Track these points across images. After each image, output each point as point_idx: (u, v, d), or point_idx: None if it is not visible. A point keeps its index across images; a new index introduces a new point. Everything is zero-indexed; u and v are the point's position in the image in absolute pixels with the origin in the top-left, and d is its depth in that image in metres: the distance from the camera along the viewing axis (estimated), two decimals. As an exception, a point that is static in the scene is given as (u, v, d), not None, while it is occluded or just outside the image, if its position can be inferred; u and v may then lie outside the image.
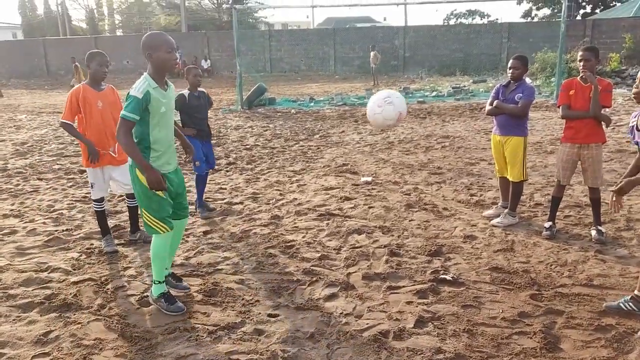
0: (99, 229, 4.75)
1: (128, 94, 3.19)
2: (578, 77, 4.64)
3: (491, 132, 5.36)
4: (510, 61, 5.02)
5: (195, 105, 5.47)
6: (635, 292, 3.36)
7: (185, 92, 5.45)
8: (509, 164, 5.06)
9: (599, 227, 4.67)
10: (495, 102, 5.06)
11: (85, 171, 7.75)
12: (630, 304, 3.34)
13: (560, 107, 4.68)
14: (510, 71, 4.99)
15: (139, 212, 3.64)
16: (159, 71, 3.29)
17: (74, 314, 3.48)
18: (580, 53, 4.54)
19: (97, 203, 4.65)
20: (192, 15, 41.65)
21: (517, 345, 3.05)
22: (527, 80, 5.13)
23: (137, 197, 3.43)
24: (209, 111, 5.96)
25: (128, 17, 49.56)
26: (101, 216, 4.68)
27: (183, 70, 5.76)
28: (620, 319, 3.29)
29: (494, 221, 5.12)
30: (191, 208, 5.82)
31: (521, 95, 4.91)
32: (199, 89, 5.57)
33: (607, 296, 3.60)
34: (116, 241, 4.79)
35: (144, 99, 3.17)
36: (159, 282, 3.54)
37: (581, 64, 4.50)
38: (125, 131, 3.19)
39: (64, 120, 4.43)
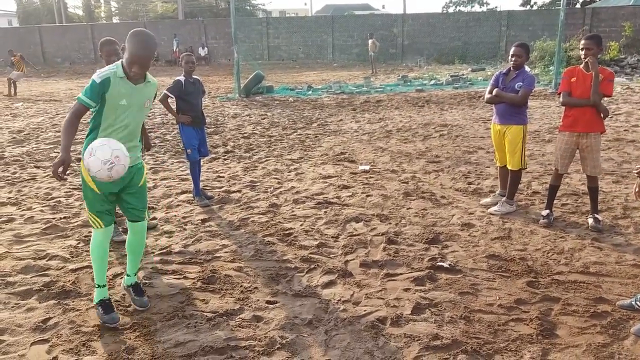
0: None
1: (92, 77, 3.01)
2: (581, 65, 4.62)
3: (489, 120, 5.36)
4: (513, 48, 4.97)
5: (191, 91, 5.46)
6: None
7: (182, 77, 5.44)
8: (509, 152, 5.04)
9: (596, 215, 4.68)
10: (495, 91, 5.04)
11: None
12: None
13: (561, 94, 4.67)
14: (513, 59, 4.94)
15: None
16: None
17: (73, 301, 3.49)
18: (582, 42, 4.51)
19: None
20: (189, 2, 41.28)
21: (514, 331, 3.07)
22: (526, 68, 5.11)
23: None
24: (205, 99, 5.94)
25: (124, 5, 49.05)
26: None
27: (179, 58, 5.74)
28: (616, 306, 3.31)
29: (492, 209, 5.13)
30: (189, 196, 5.83)
31: (521, 84, 4.89)
32: (194, 76, 5.55)
33: (603, 283, 3.63)
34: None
35: (101, 85, 2.94)
36: (98, 285, 3.28)
37: (583, 52, 4.47)
38: (73, 113, 2.97)
39: None
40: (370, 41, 23.38)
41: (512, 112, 4.98)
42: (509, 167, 5.08)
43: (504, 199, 5.17)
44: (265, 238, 4.60)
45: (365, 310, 3.32)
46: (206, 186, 6.21)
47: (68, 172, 7.11)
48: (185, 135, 5.53)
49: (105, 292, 3.31)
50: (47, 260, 4.15)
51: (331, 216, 5.10)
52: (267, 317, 3.27)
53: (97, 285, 3.30)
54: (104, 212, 3.20)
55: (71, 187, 6.29)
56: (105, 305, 3.26)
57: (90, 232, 4.76)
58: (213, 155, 7.85)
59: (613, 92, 4.79)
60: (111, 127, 3.08)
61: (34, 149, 8.63)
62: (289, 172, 6.90)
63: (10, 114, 12.86)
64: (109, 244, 3.34)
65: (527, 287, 3.60)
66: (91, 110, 3.05)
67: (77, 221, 5.07)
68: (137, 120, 3.22)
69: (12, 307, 3.42)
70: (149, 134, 8.74)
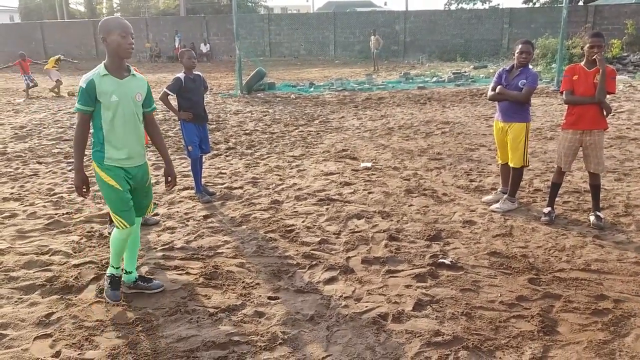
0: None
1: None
2: (582, 63, 4.61)
3: (491, 118, 5.36)
4: (522, 45, 4.92)
5: (191, 87, 5.45)
6: None
7: (181, 75, 5.43)
8: (511, 149, 5.04)
9: (598, 213, 4.68)
10: (498, 88, 5.03)
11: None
12: None
13: (564, 93, 4.66)
14: (524, 55, 4.90)
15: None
16: (113, 57, 3.15)
17: (76, 296, 3.50)
18: (591, 39, 4.48)
19: None
20: (191, -1, 41.21)
21: (515, 328, 3.08)
22: (529, 66, 5.10)
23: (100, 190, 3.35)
24: (207, 95, 5.94)
25: (126, 1, 49.01)
26: None
27: (179, 54, 5.73)
28: (617, 303, 3.32)
29: (493, 206, 5.14)
30: (191, 192, 5.84)
31: (525, 81, 4.88)
32: (195, 72, 5.53)
33: (605, 281, 3.63)
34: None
35: (87, 88, 3.08)
36: (113, 266, 3.46)
37: (594, 50, 4.45)
38: (79, 125, 3.18)
39: None
40: (373, 38, 23.31)
41: (515, 110, 4.98)
42: (511, 165, 5.08)
43: (505, 196, 5.17)
44: (267, 234, 4.61)
45: (366, 307, 3.33)
46: (208, 182, 6.22)
47: (69, 167, 7.13)
48: (186, 132, 5.53)
49: (118, 271, 3.48)
50: (49, 256, 4.16)
51: (333, 213, 5.11)
52: (269, 313, 3.29)
53: (111, 265, 3.47)
54: (128, 210, 3.29)
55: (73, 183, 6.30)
56: (114, 280, 3.46)
57: (92, 227, 4.80)
58: (215, 152, 7.86)
59: (616, 89, 4.79)
60: (112, 124, 3.19)
61: (37, 144, 8.64)
62: (291, 168, 6.91)
63: (13, 109, 12.87)
64: (129, 240, 3.45)
65: (528, 284, 3.60)
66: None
67: (79, 217, 5.08)
68: (135, 117, 3.28)
69: (15, 301, 3.44)
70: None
